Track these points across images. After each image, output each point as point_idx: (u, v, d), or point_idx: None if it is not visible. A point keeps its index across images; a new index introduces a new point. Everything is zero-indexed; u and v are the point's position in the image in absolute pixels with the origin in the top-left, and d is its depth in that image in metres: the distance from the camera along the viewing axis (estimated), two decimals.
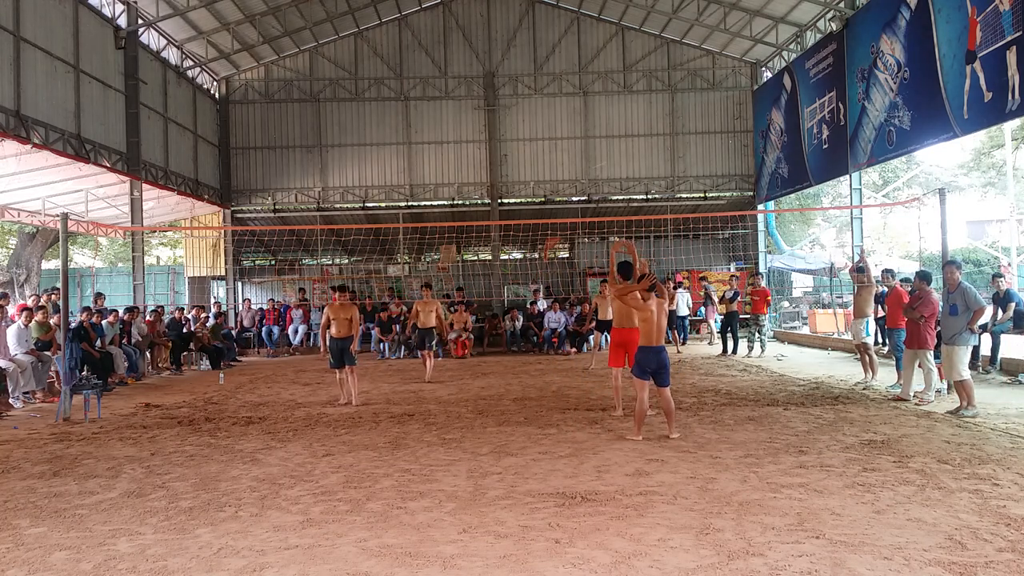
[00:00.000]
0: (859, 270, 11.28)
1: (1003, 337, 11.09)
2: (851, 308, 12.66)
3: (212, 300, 20.20)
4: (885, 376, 10.76)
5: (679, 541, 4.16)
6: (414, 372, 13.57)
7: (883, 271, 11.37)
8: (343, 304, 9.93)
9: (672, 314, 14.96)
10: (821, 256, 27.75)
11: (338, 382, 10.07)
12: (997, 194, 29.87)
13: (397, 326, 17.03)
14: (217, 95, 20.90)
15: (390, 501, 5.10)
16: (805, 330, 19.04)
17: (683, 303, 17.71)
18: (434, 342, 11.42)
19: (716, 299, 17.23)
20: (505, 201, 21.47)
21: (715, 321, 17.91)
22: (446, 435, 7.45)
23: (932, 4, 12.54)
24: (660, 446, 6.68)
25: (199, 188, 19.33)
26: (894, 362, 10.45)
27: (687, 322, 18.22)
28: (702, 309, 18.78)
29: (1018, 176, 26.51)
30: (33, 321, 11.04)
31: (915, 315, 8.90)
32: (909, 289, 9.88)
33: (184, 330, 15.09)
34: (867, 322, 11.02)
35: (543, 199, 21.51)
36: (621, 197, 21.41)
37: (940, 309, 8.83)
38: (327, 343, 9.91)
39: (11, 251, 23.99)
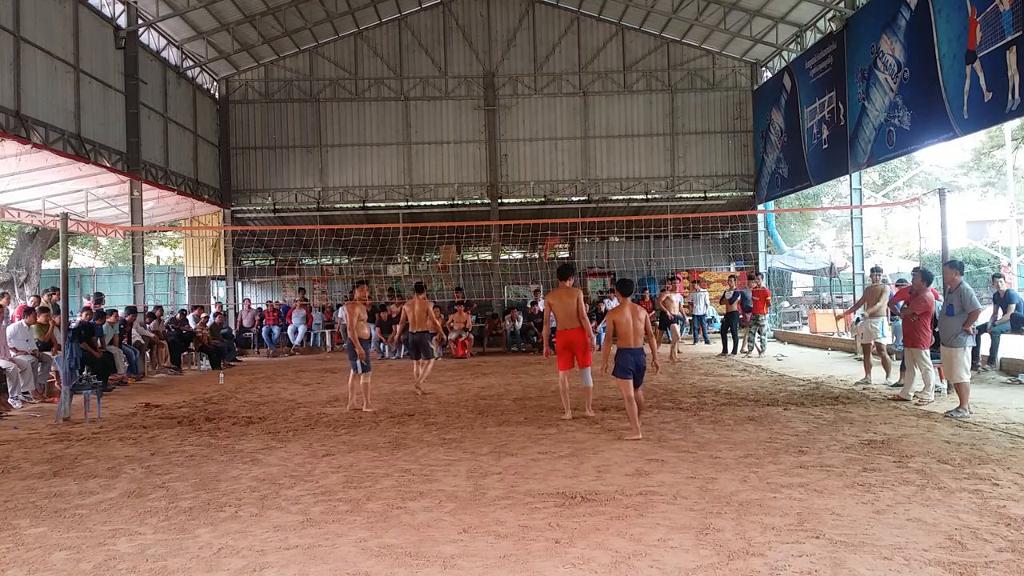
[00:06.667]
0: (875, 270, 11.52)
1: (1003, 337, 11.10)
2: (851, 308, 12.72)
3: (212, 300, 20.20)
4: (893, 376, 10.70)
5: (679, 541, 4.16)
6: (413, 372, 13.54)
7: (871, 269, 11.43)
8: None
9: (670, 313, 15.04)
10: (821, 256, 27.79)
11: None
12: (997, 194, 29.90)
13: (397, 326, 16.98)
14: (217, 95, 20.89)
15: (390, 501, 5.10)
16: (805, 330, 19.03)
17: (701, 302, 17.79)
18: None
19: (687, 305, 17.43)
20: (505, 201, 21.45)
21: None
22: (446, 435, 7.45)
23: (932, 4, 12.54)
24: (660, 446, 6.68)
25: (199, 188, 19.32)
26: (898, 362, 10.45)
27: (705, 320, 18.18)
28: (711, 309, 18.70)
29: (1018, 176, 26.50)
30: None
31: (907, 312, 8.93)
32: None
33: (184, 330, 15.09)
34: (882, 322, 11.01)
35: (543, 199, 21.50)
36: (621, 197, 21.41)
37: (937, 309, 8.85)
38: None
39: (11, 251, 23.99)
